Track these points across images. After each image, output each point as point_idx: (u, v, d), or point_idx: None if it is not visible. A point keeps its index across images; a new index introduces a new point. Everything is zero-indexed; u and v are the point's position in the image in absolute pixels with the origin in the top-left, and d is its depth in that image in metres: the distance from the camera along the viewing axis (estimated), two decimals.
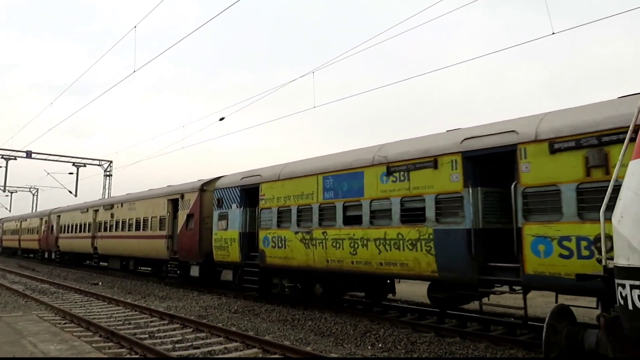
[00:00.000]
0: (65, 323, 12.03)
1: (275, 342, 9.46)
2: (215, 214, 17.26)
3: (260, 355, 9.00)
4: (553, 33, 11.55)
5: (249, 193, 15.99)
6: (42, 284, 22.24)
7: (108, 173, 47.50)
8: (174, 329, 11.40)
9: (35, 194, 65.63)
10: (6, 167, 42.93)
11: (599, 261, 3.73)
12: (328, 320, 12.24)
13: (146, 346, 8.95)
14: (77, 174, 46.56)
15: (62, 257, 35.04)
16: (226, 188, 16.97)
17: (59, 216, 35.49)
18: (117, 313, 13.87)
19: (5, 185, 46.68)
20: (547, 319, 3.38)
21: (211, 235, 17.53)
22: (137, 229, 23.62)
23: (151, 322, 12.40)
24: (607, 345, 2.91)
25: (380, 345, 9.93)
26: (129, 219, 24.65)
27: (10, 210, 64.76)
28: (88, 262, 32.55)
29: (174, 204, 20.84)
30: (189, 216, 19.32)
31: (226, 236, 16.52)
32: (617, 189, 4.33)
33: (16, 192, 65.01)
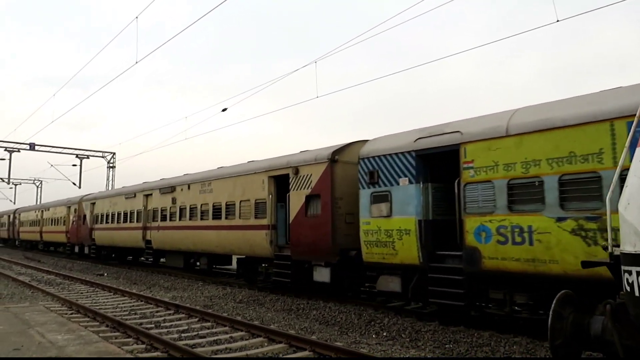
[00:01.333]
0: (71, 313, 12.13)
1: (281, 331, 9.52)
2: (365, 193, 11.80)
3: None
4: (557, 21, 11.47)
5: (431, 161, 10.95)
6: (47, 275, 22.39)
7: (111, 165, 47.59)
8: (180, 319, 11.48)
9: (39, 185, 65.91)
10: (10, 159, 43.05)
11: (605, 248, 3.74)
12: (332, 309, 12.31)
13: (152, 335, 9.02)
14: (81, 165, 46.68)
15: (99, 251, 29.64)
16: (385, 156, 11.45)
17: (94, 203, 30.28)
18: (122, 303, 13.97)
19: (9, 178, 46.80)
20: (552, 305, 3.40)
21: (345, 224, 13.00)
22: (216, 217, 17.92)
23: (157, 312, 12.49)
24: (613, 332, 2.93)
25: (384, 334, 9.99)
26: (202, 205, 18.89)
27: (14, 202, 65.03)
28: (142, 258, 26.92)
29: (280, 182, 15.46)
30: (311, 198, 13.87)
31: (389, 226, 11.18)
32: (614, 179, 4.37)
33: (20, 184, 65.28)
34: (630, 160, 3.17)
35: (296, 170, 14.42)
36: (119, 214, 26.50)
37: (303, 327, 10.60)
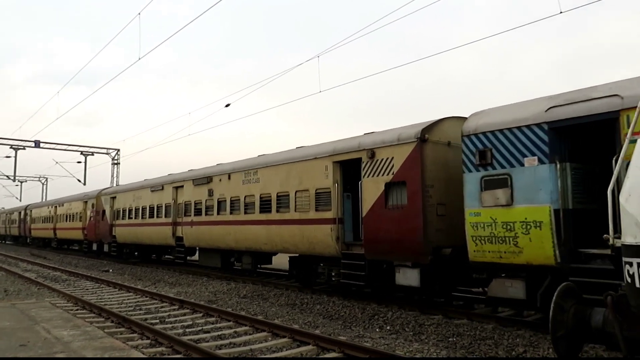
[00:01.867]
0: (77, 309, 12.21)
1: (284, 325, 9.56)
2: (472, 178, 9.65)
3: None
4: (561, 12, 11.40)
5: (570, 135, 8.75)
6: (53, 272, 22.53)
7: (116, 161, 47.74)
8: (184, 314, 11.53)
9: (45, 183, 66.23)
10: (15, 157, 43.22)
11: (607, 240, 3.74)
12: (336, 304, 12.34)
13: (157, 331, 9.07)
14: (85, 162, 46.84)
15: (120, 249, 27.43)
16: (502, 131, 9.26)
17: (114, 197, 27.94)
18: (128, 299, 14.05)
19: (15, 175, 47.03)
20: (554, 297, 3.39)
21: (437, 217, 10.95)
22: (265, 210, 15.68)
23: (162, 307, 12.55)
24: (614, 323, 2.92)
25: (388, 327, 10.01)
26: (246, 197, 16.65)
27: (20, 200, 65.38)
28: (169, 257, 25.68)
29: (348, 167, 13.29)
30: (392, 186, 11.60)
31: (509, 217, 8.98)
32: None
33: (26, 181, 65.62)
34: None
35: (371, 154, 12.04)
36: (143, 208, 24.19)
37: (307, 321, 10.64)
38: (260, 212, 15.87)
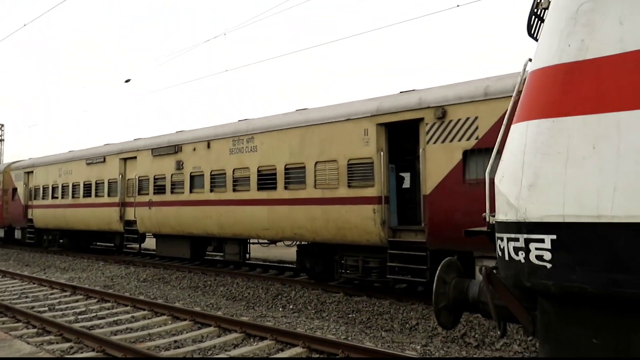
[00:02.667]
0: None
1: (185, 308, 9.37)
2: None
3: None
4: (458, 6, 12.04)
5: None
6: None
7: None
8: (77, 301, 10.89)
9: None
10: None
11: (484, 218, 4.07)
12: (240, 285, 12.30)
13: (45, 319, 8.49)
14: None
15: (40, 236, 22.68)
16: None
17: (30, 173, 22.95)
18: (12, 287, 12.97)
19: None
20: (437, 272, 3.64)
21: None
22: (265, 187, 12.54)
23: (51, 294, 11.75)
24: (487, 293, 3.19)
25: (291, 306, 10.18)
26: (235, 170, 13.34)
27: None
28: (105, 244, 22.06)
29: (395, 132, 10.81)
30: (473, 155, 9.25)
31: None
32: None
33: None
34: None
35: (441, 112, 9.45)
36: (75, 185, 19.63)
37: (209, 303, 10.52)
38: (259, 189, 12.63)
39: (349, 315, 9.41)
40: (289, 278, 12.94)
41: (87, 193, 19.07)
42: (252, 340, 7.64)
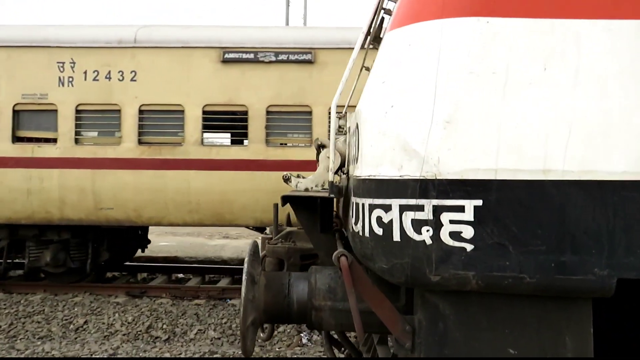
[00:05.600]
0: None
1: None
2: None
3: None
4: None
5: None
6: None
7: None
8: None
9: None
10: None
11: (287, 180, 2.78)
12: None
13: None
14: None
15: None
16: None
17: None
18: None
19: None
20: (245, 266, 2.16)
21: None
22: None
23: None
24: (350, 292, 1.95)
25: None
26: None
27: None
28: None
29: None
30: None
31: None
32: None
33: None
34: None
35: None
36: None
37: None
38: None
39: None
40: None
41: None
42: None
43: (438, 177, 1.85)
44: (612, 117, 1.81)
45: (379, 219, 1.95)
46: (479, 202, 1.84)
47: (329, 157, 2.76)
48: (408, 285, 1.94)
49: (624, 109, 1.81)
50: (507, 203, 1.84)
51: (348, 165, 2.77)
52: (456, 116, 1.85)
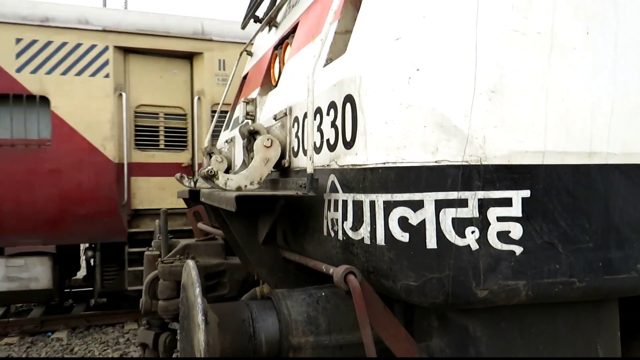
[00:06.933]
0: None
1: None
2: None
3: None
4: None
5: None
6: None
7: None
8: None
9: None
10: None
11: (203, 174, 2.06)
12: None
13: None
14: None
15: None
16: None
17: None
18: None
19: None
20: (196, 298, 1.42)
21: None
22: None
23: None
24: (364, 320, 1.43)
25: None
26: None
27: None
28: None
29: None
30: None
31: None
32: None
33: None
34: None
35: None
36: None
37: None
38: None
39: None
40: None
41: None
42: None
43: (484, 163, 1.43)
44: None
45: (403, 220, 1.44)
46: (527, 193, 1.47)
47: (266, 146, 2.16)
48: (446, 306, 1.48)
49: None
50: (555, 193, 1.51)
51: (290, 157, 2.20)
52: (502, 84, 1.45)
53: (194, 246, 2.74)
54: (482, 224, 1.43)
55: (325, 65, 1.93)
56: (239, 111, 2.83)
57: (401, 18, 1.54)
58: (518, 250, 1.46)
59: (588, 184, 1.54)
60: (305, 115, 2.00)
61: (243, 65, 4.50)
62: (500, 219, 1.45)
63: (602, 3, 1.58)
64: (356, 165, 1.56)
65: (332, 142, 1.74)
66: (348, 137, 1.62)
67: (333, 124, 1.73)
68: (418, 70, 1.46)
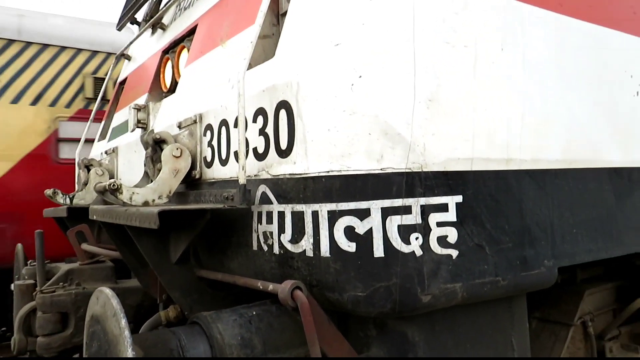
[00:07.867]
0: None
1: None
2: None
3: None
4: None
5: None
6: None
7: None
8: None
9: None
10: None
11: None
12: None
13: None
14: None
15: None
16: None
17: None
18: None
19: None
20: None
21: None
22: None
23: None
24: (313, 338, 1.38)
25: None
26: None
27: None
28: None
29: None
30: None
31: None
32: None
33: None
34: None
35: None
36: None
37: None
38: None
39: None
40: None
41: None
42: None
43: (424, 169, 1.46)
44: (548, 105, 1.80)
45: (349, 230, 1.41)
46: (460, 199, 1.54)
47: (176, 156, 1.97)
48: (393, 314, 1.46)
49: (554, 98, 1.82)
50: (481, 197, 1.60)
51: (201, 168, 2.03)
52: (439, 93, 1.50)
53: (79, 271, 2.39)
54: (425, 230, 1.46)
55: (247, 69, 1.83)
56: (129, 118, 2.56)
57: (339, 24, 1.52)
58: (454, 253, 1.51)
59: (506, 188, 1.66)
60: (222, 123, 1.87)
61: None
62: (439, 224, 1.49)
63: (512, 22, 1.72)
64: (295, 174, 1.49)
65: (260, 150, 1.64)
66: (283, 145, 1.54)
67: (262, 132, 1.64)
68: (360, 77, 1.44)
